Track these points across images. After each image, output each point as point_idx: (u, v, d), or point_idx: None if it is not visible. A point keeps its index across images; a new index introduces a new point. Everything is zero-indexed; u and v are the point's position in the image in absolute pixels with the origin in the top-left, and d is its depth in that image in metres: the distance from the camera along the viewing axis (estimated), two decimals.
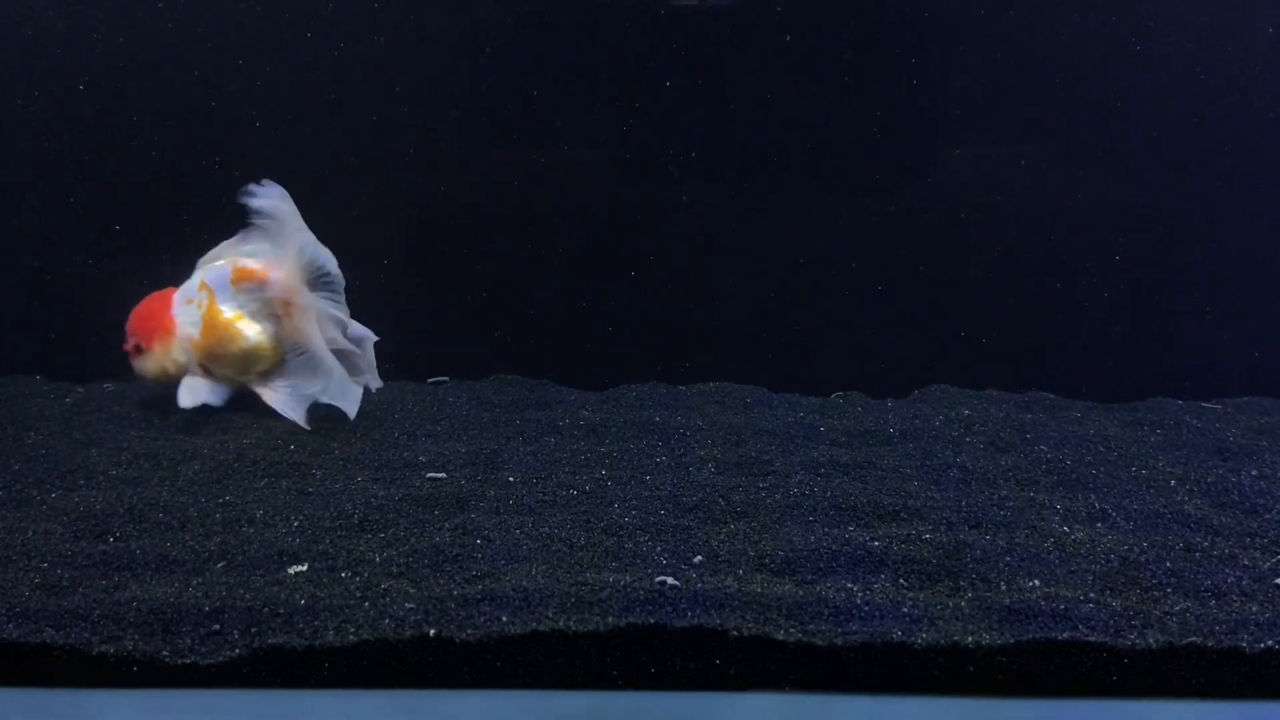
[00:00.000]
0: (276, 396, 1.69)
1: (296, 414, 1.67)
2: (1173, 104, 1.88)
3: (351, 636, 1.08)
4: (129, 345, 1.71)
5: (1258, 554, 1.29)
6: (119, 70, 1.87)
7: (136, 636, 1.08)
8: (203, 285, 1.69)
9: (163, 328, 1.69)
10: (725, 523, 1.36)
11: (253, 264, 1.68)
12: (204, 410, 1.74)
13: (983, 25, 1.87)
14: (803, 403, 1.84)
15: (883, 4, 1.86)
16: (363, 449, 1.59)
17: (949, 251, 1.93)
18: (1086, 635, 1.09)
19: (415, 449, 1.59)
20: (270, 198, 1.64)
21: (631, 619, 1.10)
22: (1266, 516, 1.40)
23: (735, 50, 1.87)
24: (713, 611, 1.11)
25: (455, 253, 1.94)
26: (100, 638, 1.08)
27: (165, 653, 1.06)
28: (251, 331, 1.68)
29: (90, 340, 1.90)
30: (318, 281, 1.69)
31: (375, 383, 1.73)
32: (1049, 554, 1.27)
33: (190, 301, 1.69)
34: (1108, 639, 1.08)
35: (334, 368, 1.66)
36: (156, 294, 1.73)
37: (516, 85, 1.89)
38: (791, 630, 1.10)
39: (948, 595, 1.18)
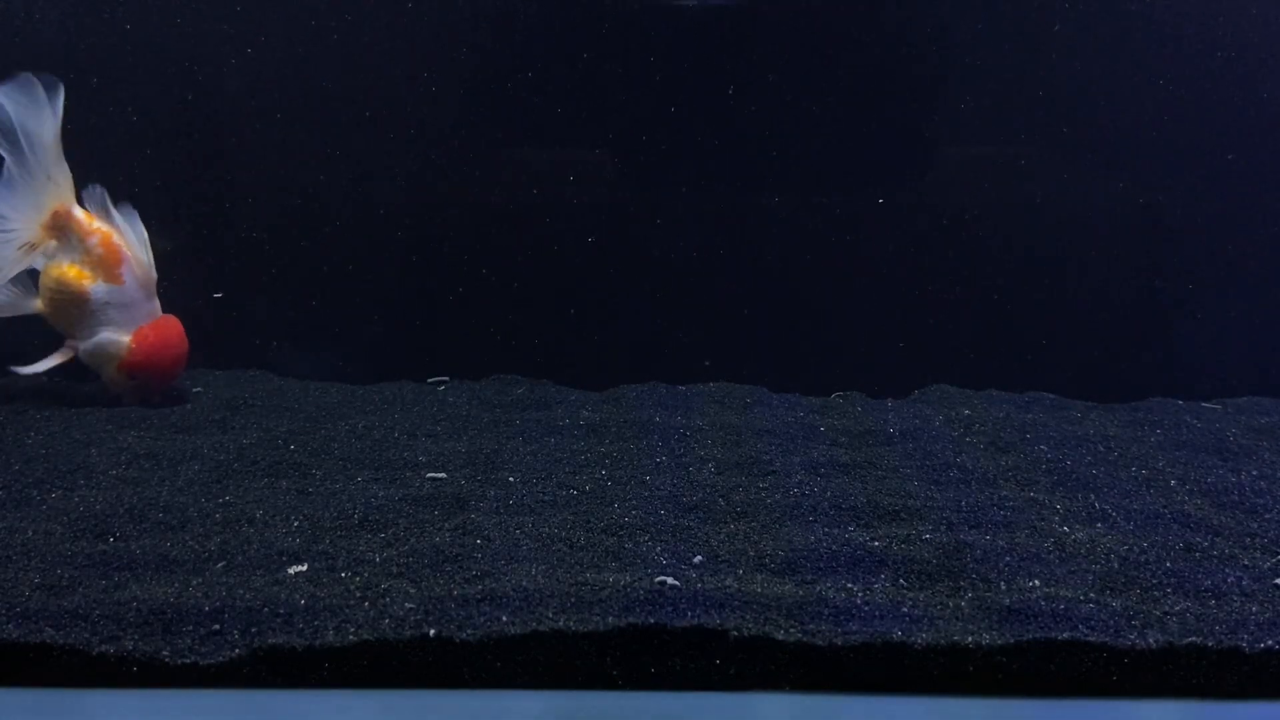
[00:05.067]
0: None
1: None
2: (1173, 104, 1.88)
3: (351, 636, 1.08)
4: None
5: (1258, 554, 1.29)
6: (119, 68, 1.87)
7: (136, 636, 1.08)
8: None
9: None
10: (725, 523, 1.36)
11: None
12: (204, 410, 1.74)
13: (983, 25, 1.87)
14: (803, 403, 1.84)
15: (883, 3, 1.87)
16: (363, 449, 1.59)
17: (949, 251, 1.93)
18: (1086, 635, 1.08)
19: (415, 449, 1.59)
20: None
21: (631, 619, 1.09)
22: (1266, 516, 1.40)
23: (735, 49, 1.87)
24: (713, 611, 1.11)
25: (455, 252, 1.94)
26: (100, 638, 1.08)
27: (165, 653, 1.06)
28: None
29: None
30: None
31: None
32: (1049, 554, 1.27)
33: None
34: (1108, 639, 1.08)
35: None
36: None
37: (516, 85, 1.89)
38: (791, 630, 1.09)
39: (948, 595, 1.18)
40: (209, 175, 1.91)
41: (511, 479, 1.48)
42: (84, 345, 1.74)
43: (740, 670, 1.09)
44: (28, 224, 1.69)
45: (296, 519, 1.34)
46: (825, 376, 1.92)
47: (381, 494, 1.41)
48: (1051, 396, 1.90)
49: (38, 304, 1.75)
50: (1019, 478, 1.52)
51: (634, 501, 1.39)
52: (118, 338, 1.72)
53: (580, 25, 1.87)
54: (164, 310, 1.78)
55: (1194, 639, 1.09)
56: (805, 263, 1.93)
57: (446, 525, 1.32)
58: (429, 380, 1.93)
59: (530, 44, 1.88)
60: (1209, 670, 1.08)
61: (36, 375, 1.90)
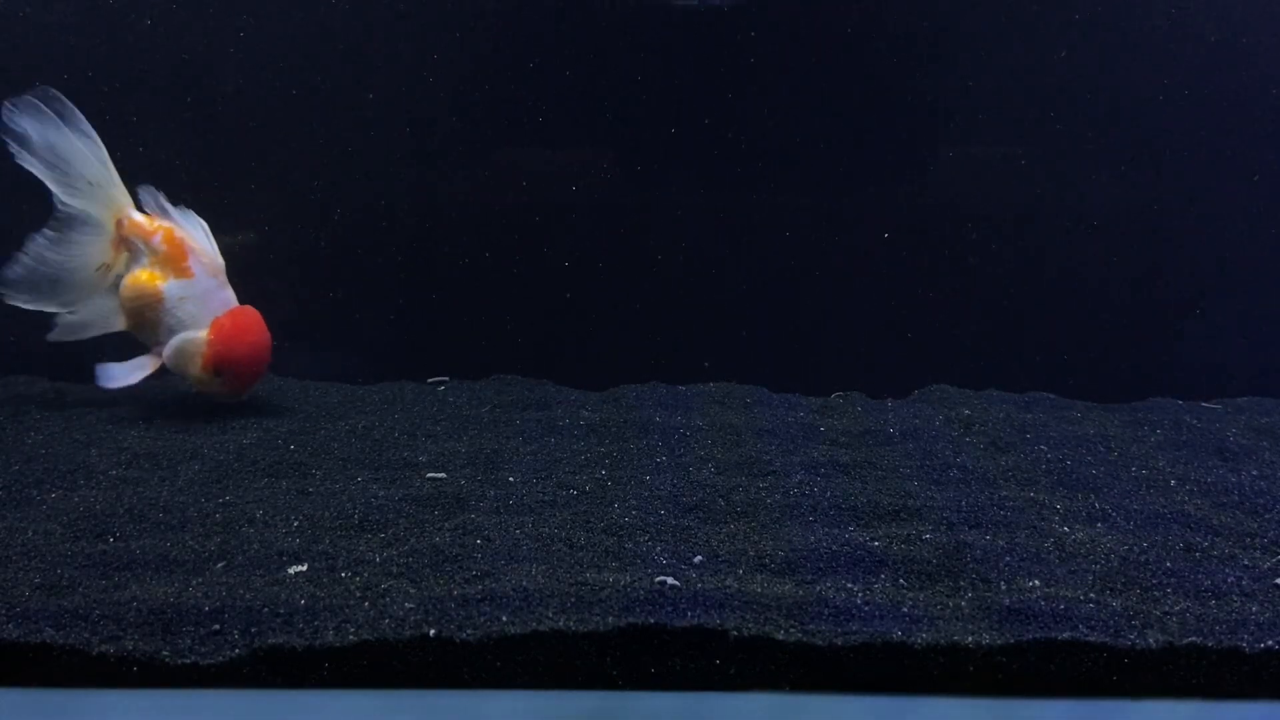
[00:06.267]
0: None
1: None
2: (1174, 103, 1.88)
3: (351, 636, 1.08)
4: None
5: (1258, 554, 1.29)
6: (118, 68, 1.87)
7: (136, 636, 1.08)
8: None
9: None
10: (725, 523, 1.36)
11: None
12: (203, 410, 1.74)
13: (982, 25, 1.87)
14: (803, 403, 1.84)
15: (882, 3, 1.87)
16: (363, 449, 1.59)
17: (949, 251, 1.93)
18: (1086, 635, 1.08)
19: (415, 449, 1.59)
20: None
21: (631, 619, 1.10)
22: (1266, 516, 1.40)
23: (734, 50, 1.87)
24: (713, 611, 1.11)
25: (456, 252, 1.94)
26: (100, 638, 1.08)
27: (165, 653, 1.06)
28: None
29: (90, 340, 1.90)
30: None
31: None
32: (1049, 554, 1.27)
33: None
34: (1108, 639, 1.08)
35: None
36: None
37: (516, 85, 1.89)
38: (791, 630, 1.10)
39: (948, 595, 1.18)
40: (207, 175, 1.90)
41: (511, 479, 1.48)
42: (166, 350, 1.68)
43: (740, 670, 1.09)
44: (96, 244, 1.68)
45: (296, 519, 1.34)
46: (825, 376, 1.92)
47: (381, 494, 1.41)
48: (1051, 396, 1.90)
49: (122, 320, 1.72)
50: (1019, 478, 1.52)
51: (634, 501, 1.39)
52: (195, 334, 1.67)
53: (580, 25, 1.87)
54: None
55: (1194, 639, 1.09)
56: (805, 263, 1.93)
57: (446, 525, 1.32)
58: (429, 380, 1.93)
59: (530, 44, 1.88)
60: (1209, 670, 1.08)
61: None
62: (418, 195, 1.93)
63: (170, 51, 1.87)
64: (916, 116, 1.92)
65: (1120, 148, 1.90)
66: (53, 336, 1.71)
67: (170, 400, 1.79)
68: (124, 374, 1.70)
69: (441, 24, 1.87)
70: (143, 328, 1.71)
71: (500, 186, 1.93)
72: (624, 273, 1.94)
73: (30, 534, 1.29)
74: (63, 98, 1.64)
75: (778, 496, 1.42)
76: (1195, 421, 1.76)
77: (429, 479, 1.47)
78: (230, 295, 1.71)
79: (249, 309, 1.71)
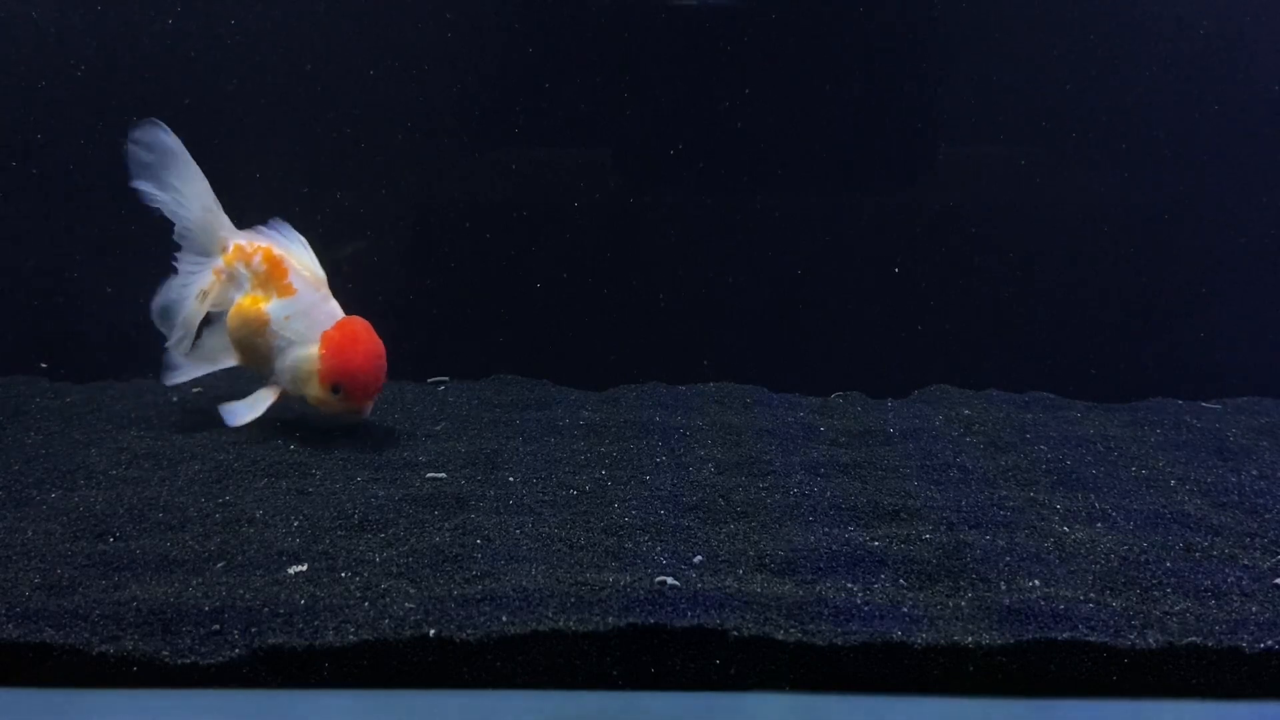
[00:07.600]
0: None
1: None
2: (1173, 103, 1.88)
3: (351, 636, 1.08)
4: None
5: (1258, 554, 1.29)
6: (118, 68, 1.87)
7: (136, 636, 1.08)
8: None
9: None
10: (725, 523, 1.36)
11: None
12: (203, 410, 1.74)
13: (982, 24, 1.87)
14: (803, 403, 1.84)
15: (882, 2, 1.86)
16: (363, 449, 1.59)
17: (949, 251, 1.93)
18: (1086, 635, 1.09)
19: (415, 449, 1.59)
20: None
21: (631, 619, 1.10)
22: (1266, 516, 1.40)
23: (734, 49, 1.87)
24: (713, 611, 1.11)
25: (455, 252, 1.94)
26: (100, 638, 1.08)
27: (165, 653, 1.06)
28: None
29: (90, 340, 1.91)
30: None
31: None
32: (1049, 554, 1.27)
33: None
34: (1108, 639, 1.08)
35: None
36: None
37: (516, 84, 1.89)
38: (791, 630, 1.10)
39: (948, 595, 1.18)
40: (207, 173, 1.90)
41: (511, 479, 1.48)
42: (281, 375, 1.61)
43: (740, 670, 1.09)
44: (208, 270, 1.65)
45: (296, 519, 1.34)
46: (825, 376, 1.92)
47: (381, 494, 1.41)
48: (1051, 396, 1.90)
49: (234, 355, 1.66)
50: (1019, 478, 1.52)
51: (634, 501, 1.39)
52: (307, 350, 1.59)
53: (580, 24, 1.87)
54: None
55: (1194, 639, 1.09)
56: (805, 263, 1.93)
57: (446, 525, 1.32)
58: (429, 380, 1.93)
59: (530, 42, 1.88)
60: (1209, 670, 1.08)
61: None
62: (417, 194, 1.93)
63: (170, 46, 1.87)
64: (917, 116, 1.92)
65: (1121, 147, 1.90)
66: (169, 380, 1.67)
67: (170, 400, 1.79)
68: (246, 410, 1.62)
69: (442, 22, 1.87)
70: (255, 358, 1.64)
71: (500, 186, 1.93)
72: (624, 273, 1.94)
73: (30, 534, 1.29)
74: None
75: (778, 496, 1.42)
76: (1195, 421, 1.76)
77: (429, 479, 1.47)
78: (335, 307, 1.64)
79: (355, 318, 1.63)
